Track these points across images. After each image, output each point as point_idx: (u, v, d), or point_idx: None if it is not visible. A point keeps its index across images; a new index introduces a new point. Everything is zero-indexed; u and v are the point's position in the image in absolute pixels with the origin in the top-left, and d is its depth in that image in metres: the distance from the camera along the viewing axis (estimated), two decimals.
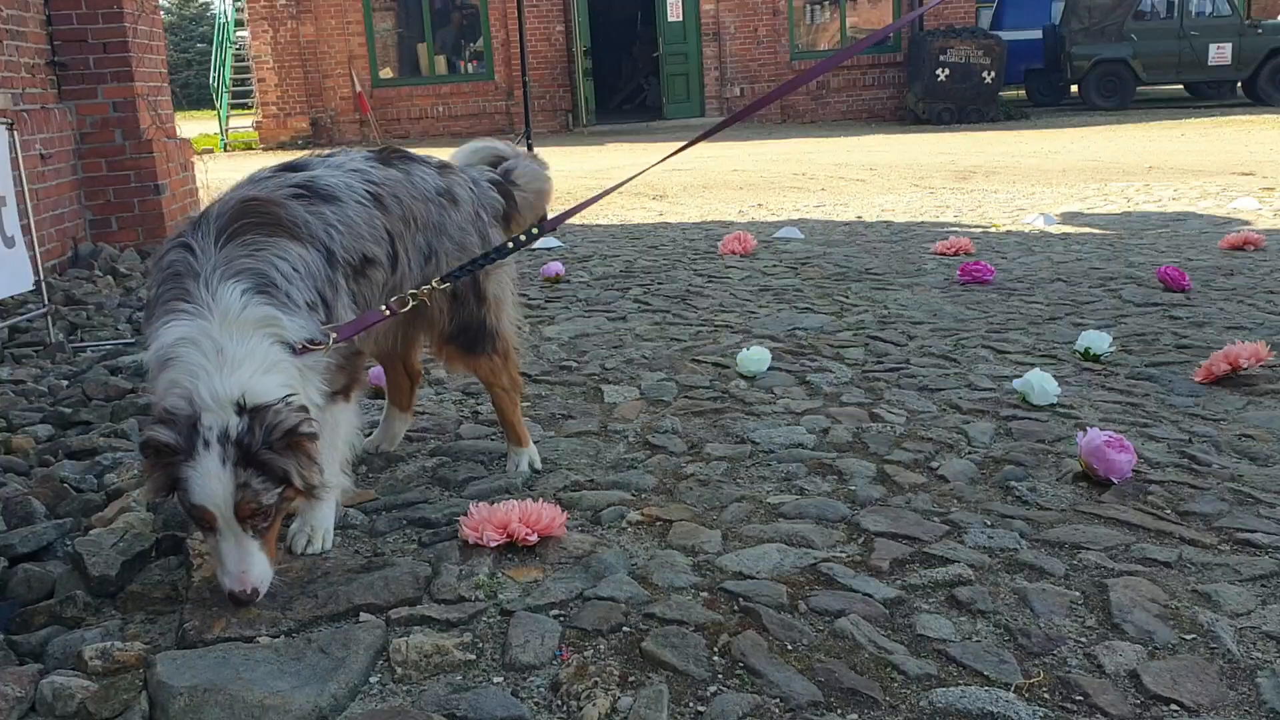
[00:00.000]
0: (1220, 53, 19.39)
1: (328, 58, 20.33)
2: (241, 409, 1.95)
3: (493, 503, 2.41)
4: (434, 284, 2.41)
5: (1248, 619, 1.97)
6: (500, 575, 2.22)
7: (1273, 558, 2.20)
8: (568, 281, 5.70)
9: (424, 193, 2.55)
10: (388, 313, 2.30)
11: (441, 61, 21.14)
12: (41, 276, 4.72)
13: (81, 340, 4.66)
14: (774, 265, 5.98)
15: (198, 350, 2.00)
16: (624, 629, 1.99)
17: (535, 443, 2.97)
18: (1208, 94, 21.05)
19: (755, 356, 3.75)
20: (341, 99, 20.44)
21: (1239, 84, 20.18)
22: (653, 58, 21.67)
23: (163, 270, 2.16)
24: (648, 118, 21.34)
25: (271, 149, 19.49)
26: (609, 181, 11.32)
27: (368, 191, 2.40)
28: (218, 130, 22.16)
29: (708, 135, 2.99)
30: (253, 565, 2.01)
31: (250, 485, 1.96)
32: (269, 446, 1.96)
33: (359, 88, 20.25)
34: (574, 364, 3.96)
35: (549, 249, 6.87)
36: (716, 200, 9.45)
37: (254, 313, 2.05)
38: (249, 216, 2.17)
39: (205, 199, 7.42)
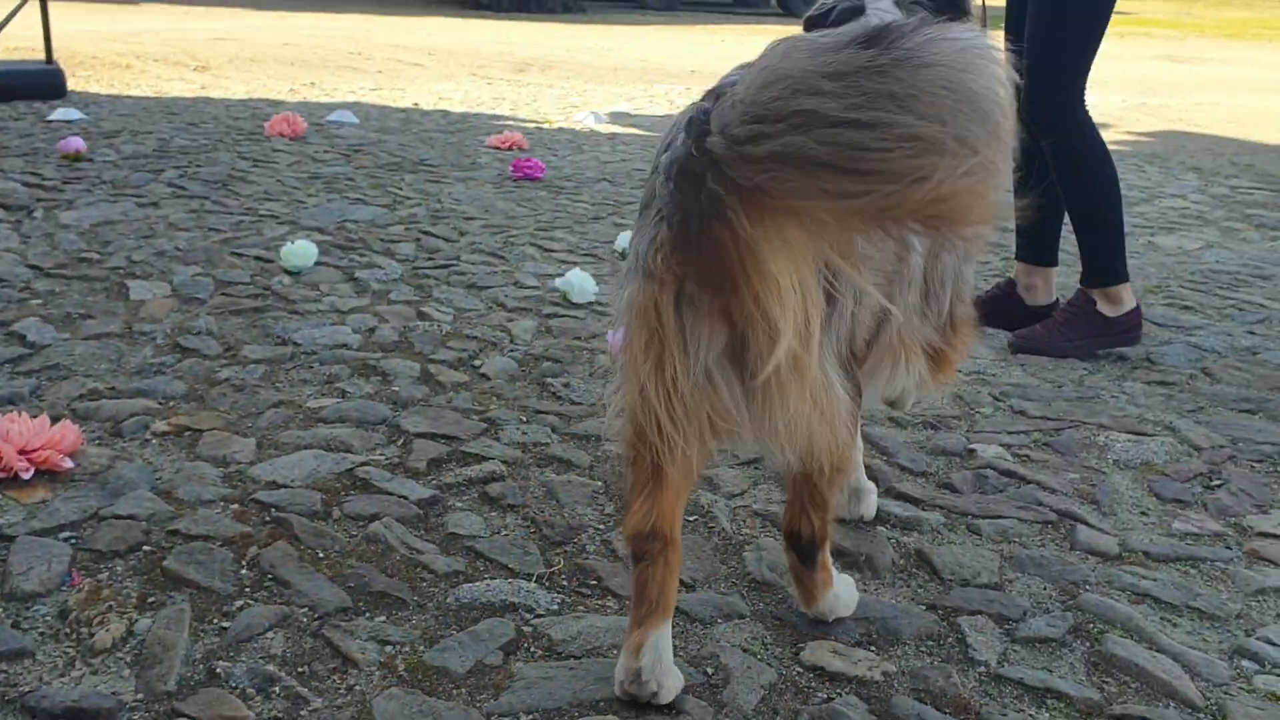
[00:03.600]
0: None
1: None
2: None
3: None
4: None
5: (741, 499, 2.22)
6: (1, 497, 2.01)
7: None
8: (90, 160, 5.14)
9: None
10: None
11: None
12: None
13: None
14: (325, 151, 5.75)
15: None
16: (144, 548, 1.89)
17: (47, 346, 2.70)
18: (748, 2, 22.67)
19: (300, 250, 3.61)
20: None
21: None
22: None
23: None
24: None
25: None
26: (141, 47, 10.29)
27: None
28: None
29: None
30: None
31: None
32: None
33: None
34: (95, 256, 3.61)
35: (69, 121, 6.15)
36: (265, 75, 8.88)
37: None
38: None
39: None
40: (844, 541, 2.06)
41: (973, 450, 2.52)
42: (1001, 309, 3.42)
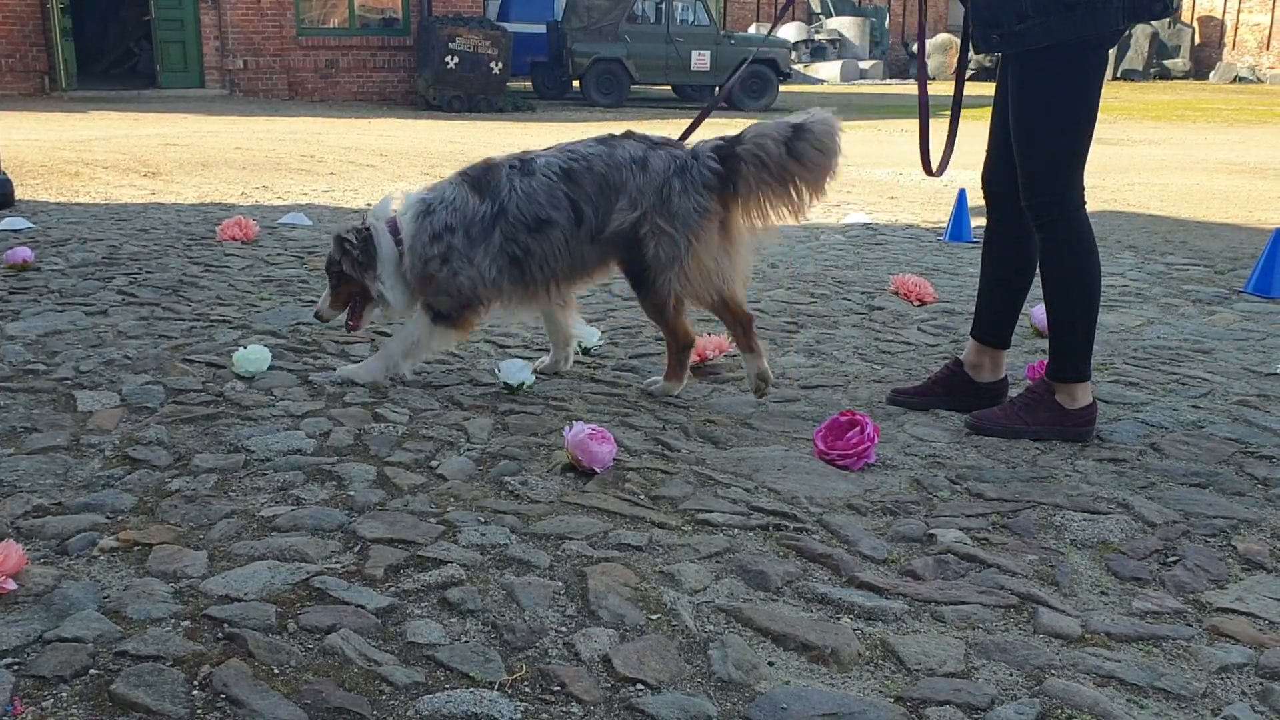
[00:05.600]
0: (701, 59, 21.40)
1: None
2: None
3: None
4: None
5: (703, 594, 2.20)
6: None
7: (726, 535, 2.48)
8: (38, 269, 5.11)
9: (619, 160, 3.32)
10: None
11: None
12: None
13: None
14: (278, 254, 5.75)
15: None
16: (91, 671, 1.83)
17: None
18: (691, 96, 23.13)
19: (253, 356, 3.59)
20: None
21: (716, 88, 22.39)
22: (144, 21, 19.93)
23: None
24: (140, 85, 19.62)
25: None
26: (90, 154, 10.30)
27: (562, 169, 3.33)
28: None
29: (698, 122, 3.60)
30: None
31: None
32: None
33: None
34: (42, 367, 3.56)
35: (16, 230, 6.11)
36: (217, 180, 8.91)
37: None
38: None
39: None
40: (808, 635, 2.04)
41: (933, 535, 2.52)
42: (950, 387, 3.46)
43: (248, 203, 7.69)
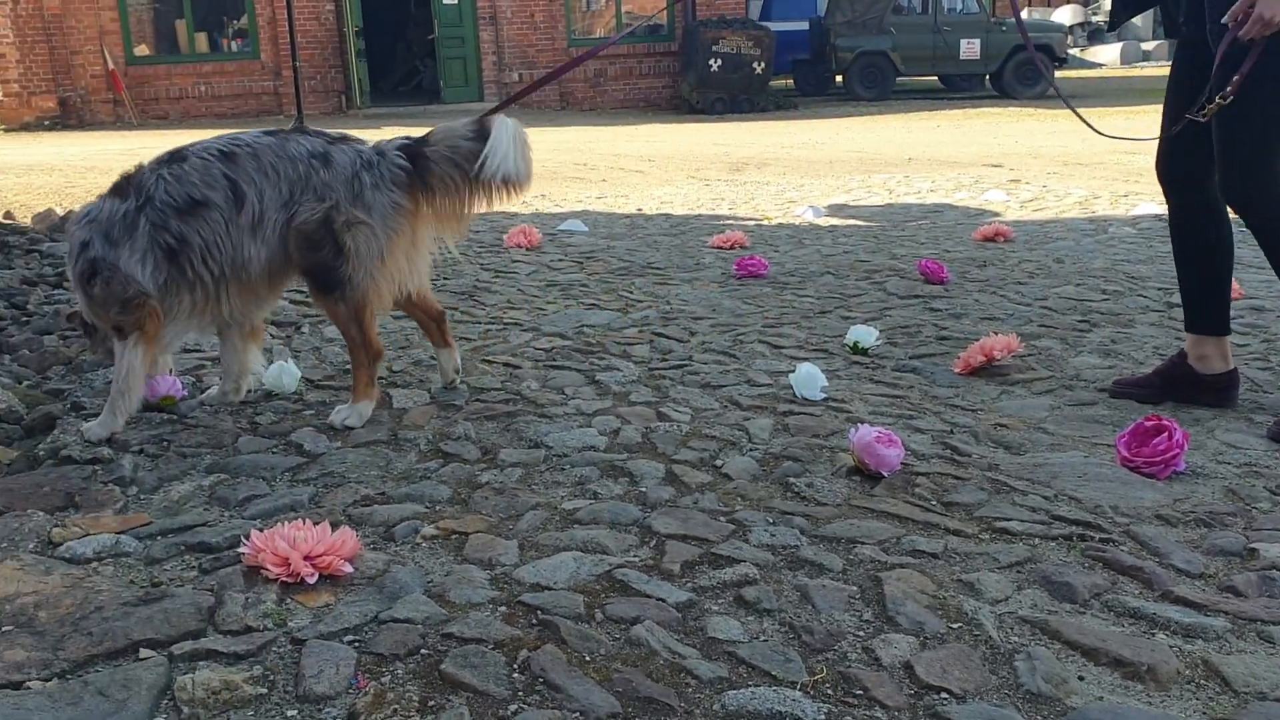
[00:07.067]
0: (970, 48, 20.71)
1: (76, 32, 18.97)
2: None
3: (272, 524, 2.34)
4: None
5: (1005, 605, 2.14)
6: (290, 601, 2.16)
7: (1025, 544, 2.40)
8: None
9: (293, 154, 3.11)
10: None
11: (202, 39, 20.10)
12: None
13: None
14: (559, 259, 6.01)
15: None
16: (422, 651, 1.98)
17: (321, 455, 2.93)
18: (960, 86, 22.42)
19: (280, 374, 3.57)
20: (93, 77, 19.13)
21: (987, 77, 21.60)
22: (428, 40, 21.29)
23: None
24: (425, 101, 20.96)
25: (14, 130, 17.99)
26: None
27: (220, 150, 3.10)
28: None
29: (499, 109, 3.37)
30: None
31: None
32: None
33: (111, 65, 18.99)
34: None
35: None
36: None
37: None
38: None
39: None
40: (1121, 650, 1.95)
41: (1254, 549, 2.35)
42: (1170, 378, 3.36)
43: (529, 211, 8.07)
